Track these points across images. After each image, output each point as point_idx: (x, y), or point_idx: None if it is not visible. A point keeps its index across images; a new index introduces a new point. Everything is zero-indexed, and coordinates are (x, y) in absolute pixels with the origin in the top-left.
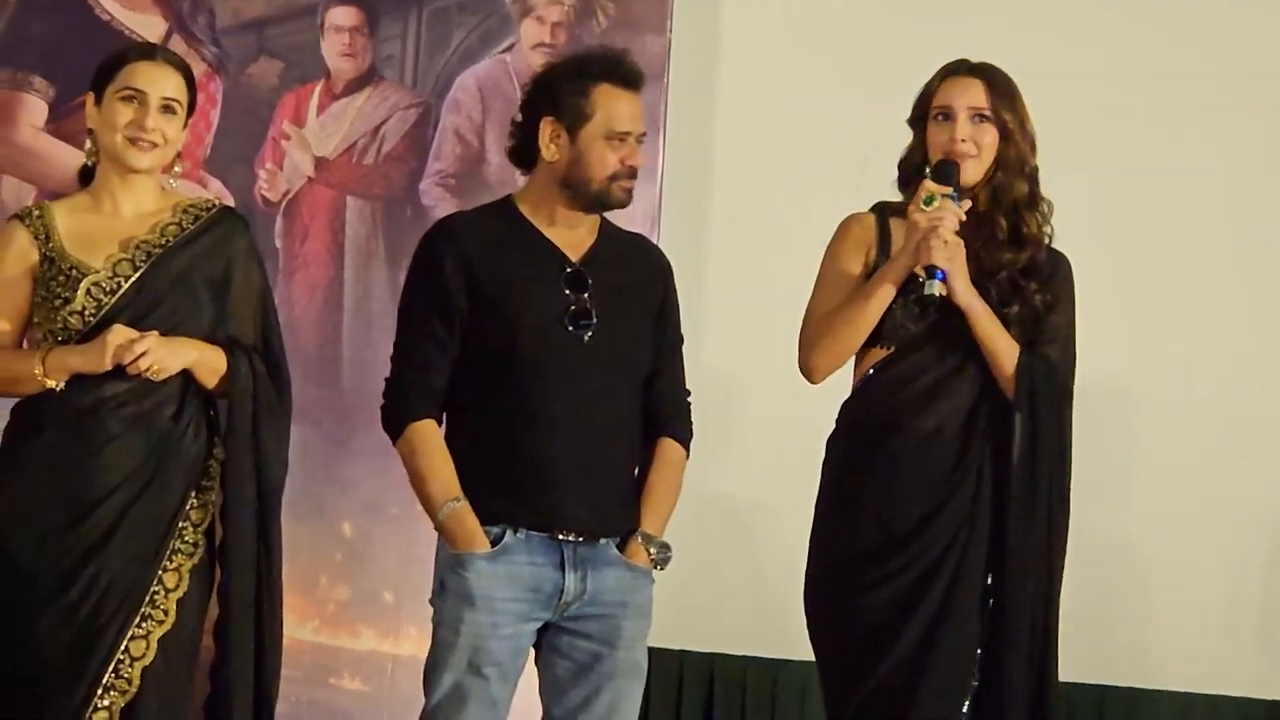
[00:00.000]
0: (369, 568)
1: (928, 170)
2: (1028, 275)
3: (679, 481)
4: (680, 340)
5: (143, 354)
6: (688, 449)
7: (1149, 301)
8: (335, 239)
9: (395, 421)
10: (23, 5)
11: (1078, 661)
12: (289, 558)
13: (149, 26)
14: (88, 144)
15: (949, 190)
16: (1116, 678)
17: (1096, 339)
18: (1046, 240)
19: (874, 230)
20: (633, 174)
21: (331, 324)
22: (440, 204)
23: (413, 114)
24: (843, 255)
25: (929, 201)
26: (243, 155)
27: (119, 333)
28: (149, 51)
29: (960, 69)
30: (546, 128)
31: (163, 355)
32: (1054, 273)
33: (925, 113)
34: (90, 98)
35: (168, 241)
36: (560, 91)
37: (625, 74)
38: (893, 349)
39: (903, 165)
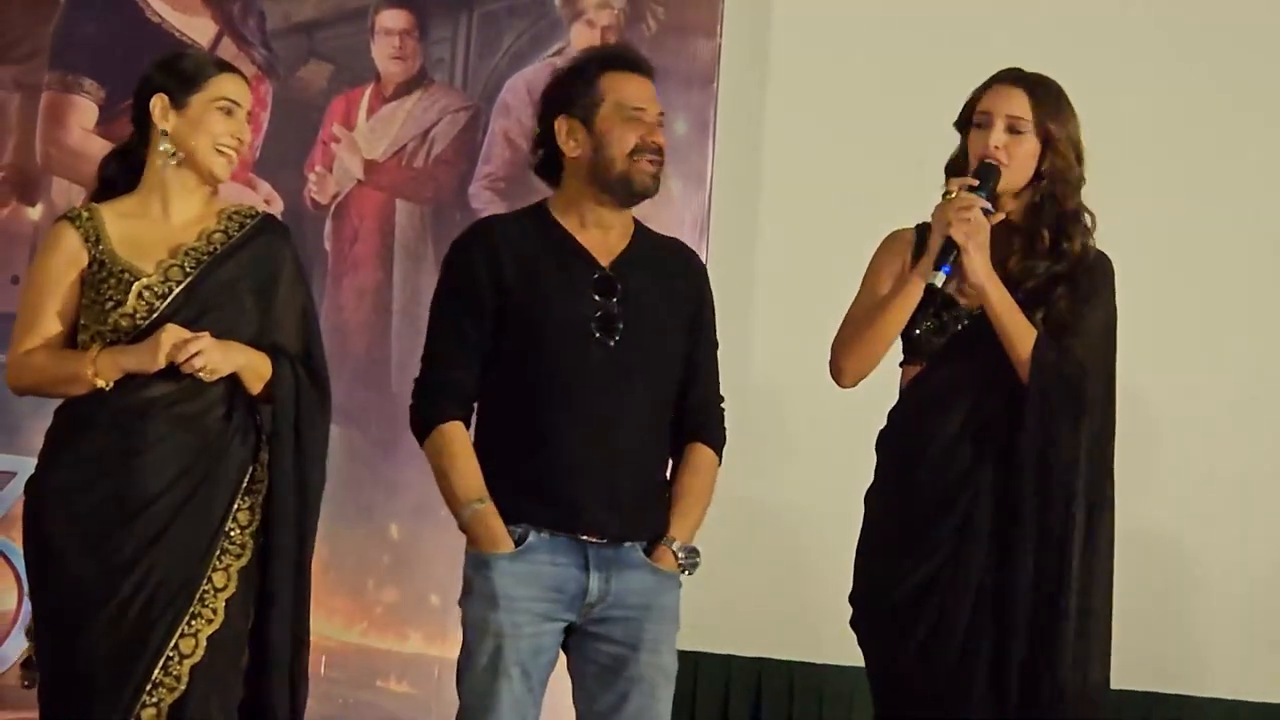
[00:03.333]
0: (416, 571)
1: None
2: (1056, 282)
3: (710, 487)
4: (716, 345)
5: (196, 353)
6: (720, 454)
7: (1197, 305)
8: (384, 242)
9: (423, 424)
10: (73, 7)
11: (1125, 668)
12: (337, 561)
13: (200, 29)
14: (163, 144)
15: (971, 182)
16: (1165, 685)
17: (1145, 343)
18: (1089, 253)
19: (911, 245)
20: (656, 151)
21: (380, 327)
22: (490, 207)
23: (462, 117)
24: (879, 268)
25: (946, 195)
26: (292, 158)
27: (173, 332)
28: (230, 65)
29: (1006, 77)
30: (562, 126)
31: (216, 357)
32: (1088, 272)
33: (970, 118)
34: (163, 99)
35: (215, 249)
36: (569, 89)
37: (628, 60)
38: (925, 363)
39: (948, 170)
